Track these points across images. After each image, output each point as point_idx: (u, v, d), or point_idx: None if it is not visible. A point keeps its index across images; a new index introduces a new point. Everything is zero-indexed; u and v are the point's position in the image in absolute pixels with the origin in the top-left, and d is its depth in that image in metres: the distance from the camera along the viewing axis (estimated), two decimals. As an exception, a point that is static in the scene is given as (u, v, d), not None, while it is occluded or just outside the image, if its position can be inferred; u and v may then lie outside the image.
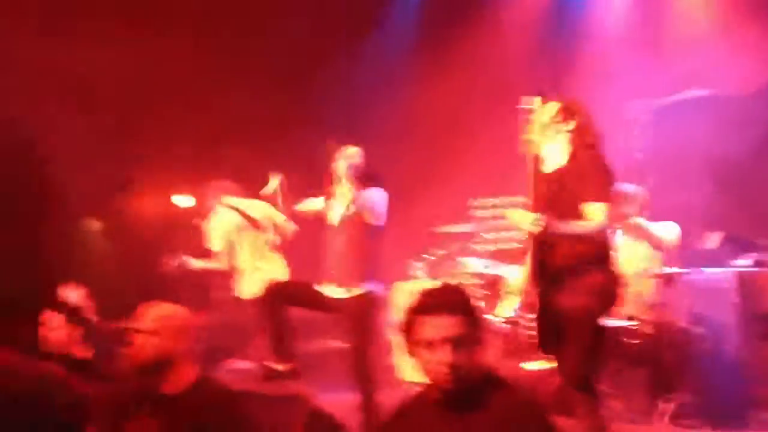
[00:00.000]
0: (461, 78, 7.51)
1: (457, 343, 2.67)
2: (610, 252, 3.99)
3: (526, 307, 4.20)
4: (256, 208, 6.27)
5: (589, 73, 6.90)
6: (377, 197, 5.11)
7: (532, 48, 7.48)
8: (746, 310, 5.11)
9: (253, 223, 6.30)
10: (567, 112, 4.04)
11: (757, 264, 5.13)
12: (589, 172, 3.91)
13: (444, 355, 2.66)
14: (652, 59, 7.03)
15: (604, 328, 4.02)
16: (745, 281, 5.15)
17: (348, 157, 5.11)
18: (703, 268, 5.35)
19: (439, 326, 2.69)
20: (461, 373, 2.67)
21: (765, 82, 6.56)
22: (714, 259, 5.55)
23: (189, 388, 3.37)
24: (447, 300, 2.75)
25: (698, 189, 6.02)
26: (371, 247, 5.11)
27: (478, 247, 7.06)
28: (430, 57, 7.63)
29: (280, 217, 5.87)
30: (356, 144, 5.21)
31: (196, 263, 6.52)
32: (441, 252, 6.99)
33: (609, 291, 3.93)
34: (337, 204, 5.17)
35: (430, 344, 2.69)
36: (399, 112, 7.52)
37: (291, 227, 5.93)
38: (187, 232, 6.78)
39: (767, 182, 6.05)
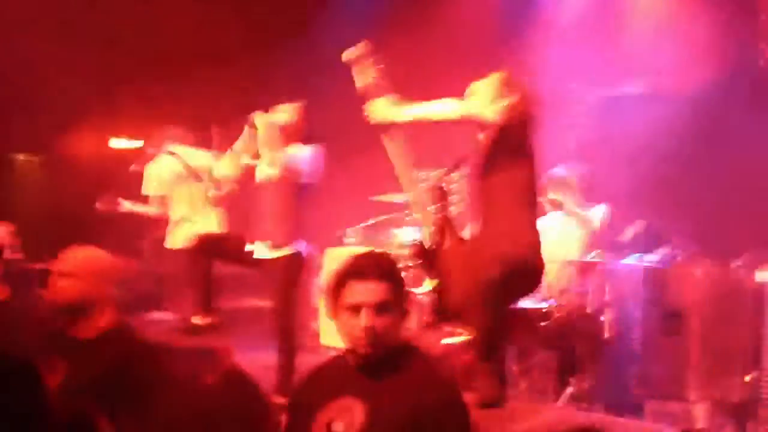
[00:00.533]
0: (416, 51, 7.53)
1: (380, 308, 2.73)
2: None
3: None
4: (200, 158, 6.24)
5: (541, 58, 7.01)
6: (304, 155, 5.08)
7: (488, 29, 7.54)
8: (652, 304, 5.34)
9: (194, 174, 6.27)
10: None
11: (669, 257, 5.31)
12: None
13: (366, 320, 2.71)
14: (604, 50, 7.16)
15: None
16: (652, 275, 5.36)
17: (276, 115, 5.10)
18: (621, 258, 5.57)
19: (364, 291, 2.74)
20: (380, 339, 2.72)
21: (714, 79, 6.70)
22: (631, 249, 5.78)
23: (103, 333, 3.40)
24: (375, 266, 2.80)
25: (632, 180, 6.17)
26: (299, 207, 5.11)
27: (411, 218, 7.15)
28: (389, 25, 7.64)
29: (223, 171, 5.73)
30: (301, 103, 5.18)
31: (130, 206, 6.50)
32: (374, 220, 7.05)
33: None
34: (263, 162, 5.16)
35: (354, 308, 2.74)
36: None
37: (231, 183, 5.83)
38: (125, 176, 6.75)
39: (703, 180, 6.23)
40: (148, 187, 6.46)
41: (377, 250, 3.79)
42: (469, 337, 4.16)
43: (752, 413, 5.18)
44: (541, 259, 4.08)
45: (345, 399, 2.76)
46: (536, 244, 4.06)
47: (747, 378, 5.16)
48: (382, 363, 2.77)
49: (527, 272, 4.05)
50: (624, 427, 3.76)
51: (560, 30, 7.51)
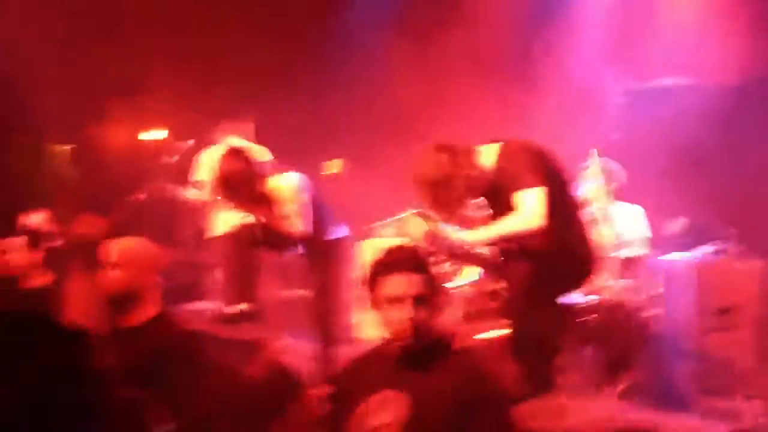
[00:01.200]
0: (441, 57, 7.44)
1: (419, 300, 2.75)
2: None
3: (488, 273, 4.27)
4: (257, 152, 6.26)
5: (568, 54, 6.90)
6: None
7: (510, 28, 7.43)
8: (702, 300, 5.23)
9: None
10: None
11: (717, 253, 5.20)
12: None
13: (407, 311, 2.74)
14: (634, 44, 7.05)
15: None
16: (703, 270, 5.25)
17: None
18: (665, 254, 5.46)
19: (405, 283, 2.77)
20: (421, 331, 2.75)
21: (747, 74, 6.59)
22: (676, 245, 5.66)
23: (148, 322, 3.41)
24: (412, 258, 2.84)
25: (667, 175, 6.06)
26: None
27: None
28: (405, 44, 7.56)
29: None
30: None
31: (181, 192, 6.49)
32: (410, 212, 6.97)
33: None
34: None
35: (394, 300, 2.77)
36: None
37: None
38: (158, 165, 6.76)
39: (737, 174, 6.11)
40: (201, 173, 6.43)
41: (409, 243, 3.76)
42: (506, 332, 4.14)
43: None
44: (586, 251, 3.99)
45: (386, 390, 2.76)
46: (574, 237, 3.99)
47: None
48: (422, 355, 2.79)
49: (563, 265, 3.96)
50: (674, 425, 3.66)
51: (593, 25, 7.38)
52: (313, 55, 7.62)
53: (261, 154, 6.16)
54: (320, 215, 5.10)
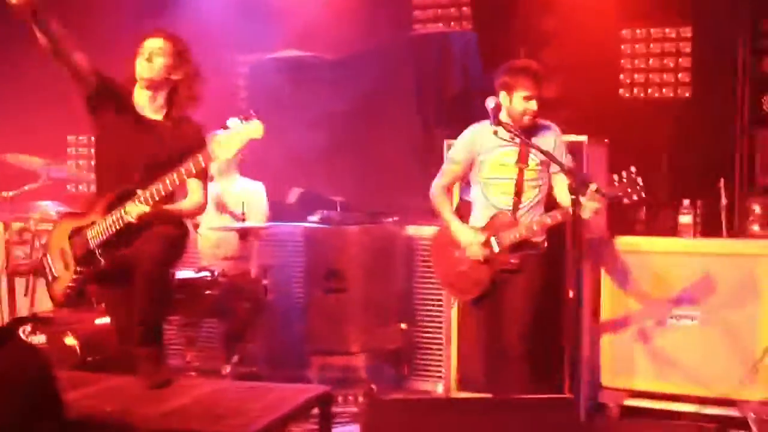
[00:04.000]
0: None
1: None
2: None
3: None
4: None
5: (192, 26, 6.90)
6: None
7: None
8: (311, 264, 5.55)
9: None
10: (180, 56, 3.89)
11: (323, 220, 5.50)
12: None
13: None
14: (257, 17, 7.19)
15: (173, 279, 4.13)
16: (311, 237, 5.56)
17: None
18: (278, 223, 5.70)
19: None
20: None
21: (361, 47, 6.96)
22: (292, 214, 5.94)
23: None
24: None
25: (289, 144, 6.25)
26: None
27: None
28: None
29: None
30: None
31: None
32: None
33: (179, 241, 3.89)
34: None
35: None
36: None
37: None
38: None
39: (355, 146, 6.43)
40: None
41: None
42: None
43: (406, 358, 5.61)
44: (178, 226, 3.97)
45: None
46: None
47: (403, 326, 5.56)
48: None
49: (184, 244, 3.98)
50: (287, 389, 3.83)
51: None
52: None
53: None
54: None
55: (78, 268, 3.85)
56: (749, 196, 5.70)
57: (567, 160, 4.35)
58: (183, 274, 5.10)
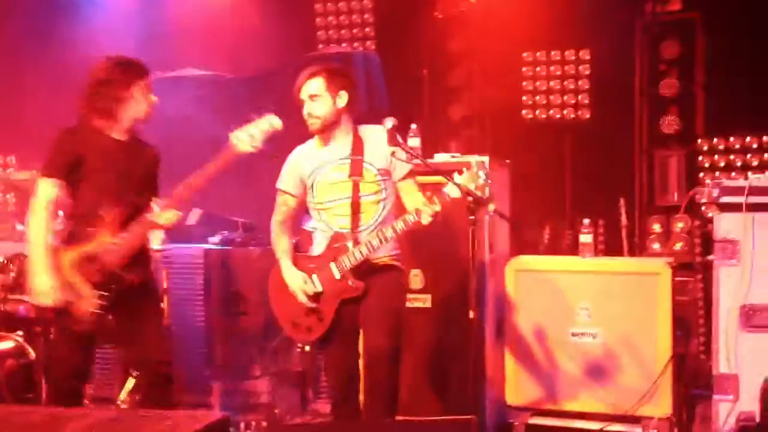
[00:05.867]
0: None
1: None
2: None
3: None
4: None
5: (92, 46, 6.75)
6: None
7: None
8: (212, 287, 5.41)
9: None
10: None
11: (224, 242, 5.40)
12: None
13: None
14: (156, 36, 7.09)
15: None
16: (212, 258, 5.43)
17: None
18: (177, 245, 5.55)
19: None
20: None
21: (263, 67, 6.94)
22: (192, 235, 5.79)
23: None
24: None
25: (188, 164, 6.13)
26: None
27: None
28: None
29: None
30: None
31: None
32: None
33: None
34: None
35: None
36: None
37: None
38: None
39: (246, 164, 6.33)
40: None
41: None
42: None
43: (311, 381, 5.50)
44: None
45: None
46: None
47: (306, 348, 5.45)
48: None
49: None
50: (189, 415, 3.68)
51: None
52: None
53: None
54: None
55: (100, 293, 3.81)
56: (649, 215, 5.83)
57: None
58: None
